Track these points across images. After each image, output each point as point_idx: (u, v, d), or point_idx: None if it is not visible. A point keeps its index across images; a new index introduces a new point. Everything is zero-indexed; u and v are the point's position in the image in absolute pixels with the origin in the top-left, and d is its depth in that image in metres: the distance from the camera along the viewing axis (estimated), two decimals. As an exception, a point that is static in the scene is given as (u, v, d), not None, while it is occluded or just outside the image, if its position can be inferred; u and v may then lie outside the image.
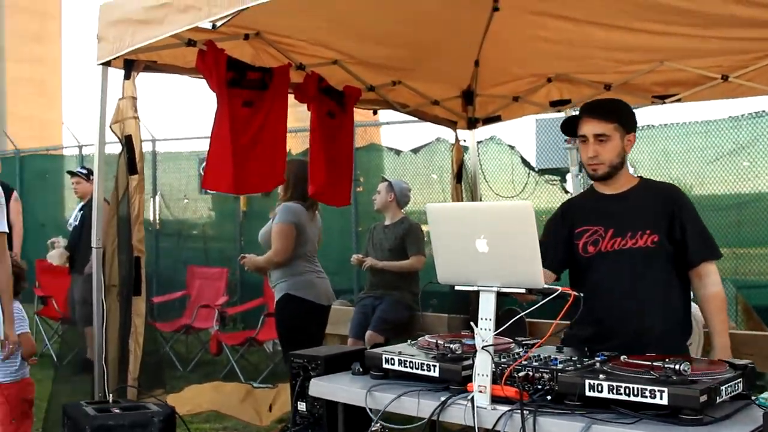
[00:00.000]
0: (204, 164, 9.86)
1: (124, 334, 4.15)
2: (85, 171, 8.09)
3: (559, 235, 3.53)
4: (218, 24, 3.69)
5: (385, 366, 3.11)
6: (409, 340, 3.30)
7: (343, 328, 6.56)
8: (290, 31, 4.60)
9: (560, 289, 2.61)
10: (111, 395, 3.88)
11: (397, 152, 9.29)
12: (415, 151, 9.01)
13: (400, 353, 3.09)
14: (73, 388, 5.37)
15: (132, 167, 4.11)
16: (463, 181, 6.27)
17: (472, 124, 6.14)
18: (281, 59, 4.71)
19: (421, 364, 2.97)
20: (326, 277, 5.54)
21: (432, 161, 8.86)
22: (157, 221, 11.38)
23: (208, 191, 10.20)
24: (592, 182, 3.53)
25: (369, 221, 8.75)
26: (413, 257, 6.34)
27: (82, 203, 8.02)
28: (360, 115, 5.71)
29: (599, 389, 2.48)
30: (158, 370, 4.64)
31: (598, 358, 2.78)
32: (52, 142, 18.97)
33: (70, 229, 8.12)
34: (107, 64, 4.06)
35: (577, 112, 3.49)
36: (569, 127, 3.50)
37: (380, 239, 6.54)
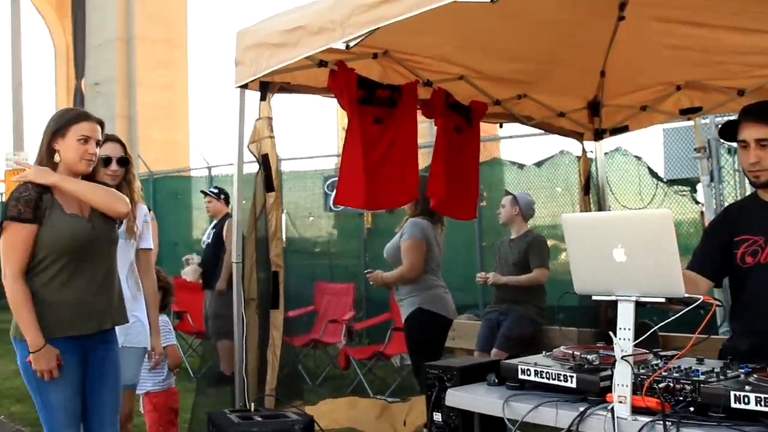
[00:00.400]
0: (328, 182, 10.19)
1: (262, 346, 4.29)
2: (216, 191, 8.40)
3: (717, 242, 3.39)
4: (351, 44, 3.80)
5: (520, 377, 3.11)
6: (543, 351, 3.30)
7: (469, 342, 6.58)
8: (417, 48, 4.68)
9: (702, 297, 2.56)
10: (252, 404, 4.03)
11: (520, 166, 9.24)
12: (539, 164, 8.93)
13: (536, 364, 3.10)
14: (212, 399, 5.60)
15: (269, 185, 4.27)
16: (590, 193, 6.22)
17: (598, 135, 6.07)
18: (409, 76, 4.79)
19: (558, 374, 2.96)
20: (449, 292, 5.61)
21: (556, 174, 8.75)
22: (284, 239, 11.67)
23: (333, 209, 10.41)
24: (756, 189, 3.36)
25: (493, 236, 8.71)
26: (536, 270, 6.27)
27: (214, 221, 8.32)
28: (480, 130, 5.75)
29: (746, 401, 2.41)
30: (294, 383, 4.77)
31: (742, 370, 2.71)
32: (179, 164, 19.71)
33: (204, 246, 8.42)
34: (244, 86, 4.24)
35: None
36: (728, 132, 3.36)
37: (505, 253, 6.53)
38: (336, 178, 10.05)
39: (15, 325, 3.48)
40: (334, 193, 9.96)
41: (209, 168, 12.81)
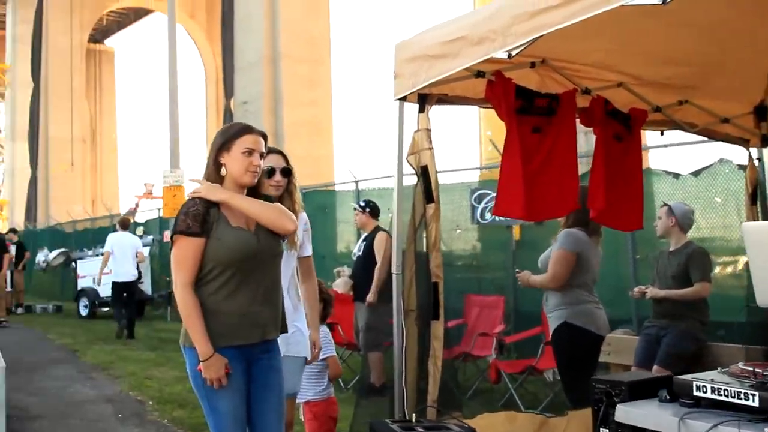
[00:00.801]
0: (475, 195, 10.14)
1: (422, 357, 4.29)
2: (363, 204, 8.52)
3: None
4: (513, 54, 3.77)
5: (695, 394, 2.99)
6: (719, 368, 3.15)
7: (626, 357, 6.39)
8: (575, 56, 4.59)
9: None
10: (414, 415, 4.01)
11: (676, 176, 8.87)
12: (696, 173, 8.55)
13: (712, 381, 2.97)
14: (364, 410, 5.65)
15: (429, 196, 4.28)
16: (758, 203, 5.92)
17: (766, 141, 5.78)
18: (567, 84, 4.71)
19: (738, 392, 2.83)
20: (602, 307, 5.46)
21: (714, 184, 8.35)
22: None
23: (480, 221, 10.35)
24: None
25: (647, 248, 8.42)
26: (697, 284, 5.99)
27: (364, 234, 8.43)
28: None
29: None
30: (452, 394, 4.74)
31: None
32: (324, 178, 20.16)
33: (354, 259, 8.54)
34: (403, 99, 4.27)
35: None
36: None
37: (664, 266, 6.28)
38: (482, 191, 10.11)
39: (184, 332, 3.58)
40: (481, 205, 10.04)
41: (356, 182, 12.98)
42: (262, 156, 3.69)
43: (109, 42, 52.72)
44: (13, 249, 18.74)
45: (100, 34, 49.98)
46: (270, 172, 4.21)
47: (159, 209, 20.01)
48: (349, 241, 14.08)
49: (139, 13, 49.89)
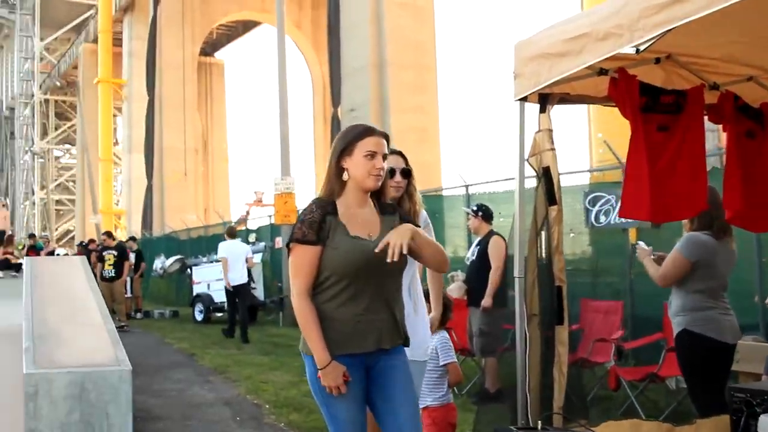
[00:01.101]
0: (589, 197, 9.90)
1: (545, 363, 4.19)
2: (475, 208, 8.46)
3: None
4: (641, 48, 3.63)
5: None
6: None
7: (755, 365, 6.11)
8: (702, 49, 4.41)
9: None
10: (539, 422, 3.92)
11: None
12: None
13: None
14: (483, 417, 5.56)
15: (551, 198, 4.18)
16: None
17: None
18: (693, 80, 4.53)
19: None
20: (732, 314, 5.18)
21: None
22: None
23: (595, 224, 10.11)
24: None
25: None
26: (834, 289, 5.71)
27: (478, 238, 8.36)
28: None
29: None
30: (577, 401, 4.62)
31: None
32: (431, 184, 20.11)
33: (468, 263, 8.47)
34: (524, 99, 4.18)
35: None
36: None
37: (795, 269, 6.00)
38: (596, 194, 9.86)
39: (303, 339, 3.54)
40: (595, 209, 9.80)
41: (466, 186, 12.88)
42: (384, 158, 3.57)
43: (219, 54, 54.20)
44: (132, 257, 19.46)
45: (210, 48, 51.42)
46: (390, 173, 4.11)
47: (270, 216, 20.36)
48: (458, 246, 13.99)
49: (248, 26, 51.11)
